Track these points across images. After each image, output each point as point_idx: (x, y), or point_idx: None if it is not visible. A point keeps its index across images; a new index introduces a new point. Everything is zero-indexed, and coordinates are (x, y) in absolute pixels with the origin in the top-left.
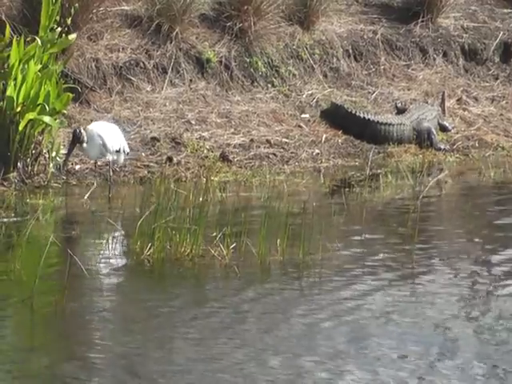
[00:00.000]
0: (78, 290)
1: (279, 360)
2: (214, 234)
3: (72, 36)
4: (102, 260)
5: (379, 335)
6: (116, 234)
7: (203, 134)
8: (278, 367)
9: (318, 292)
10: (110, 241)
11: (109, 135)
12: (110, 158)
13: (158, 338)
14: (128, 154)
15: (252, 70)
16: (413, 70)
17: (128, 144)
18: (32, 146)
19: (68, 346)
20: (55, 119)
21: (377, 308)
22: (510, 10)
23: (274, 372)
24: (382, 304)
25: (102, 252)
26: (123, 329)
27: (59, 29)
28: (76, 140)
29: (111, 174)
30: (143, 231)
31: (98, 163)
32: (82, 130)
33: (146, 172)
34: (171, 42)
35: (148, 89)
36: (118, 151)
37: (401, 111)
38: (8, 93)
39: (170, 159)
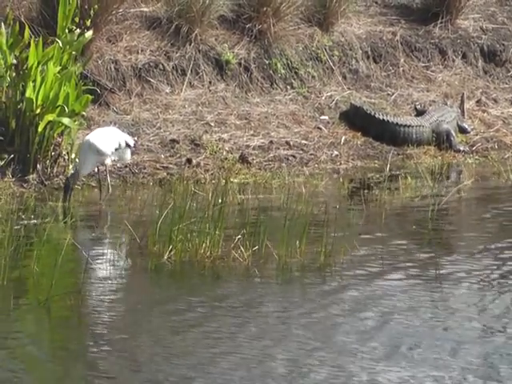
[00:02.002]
0: (95, 294)
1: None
2: (234, 235)
3: (88, 33)
4: (121, 262)
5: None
6: (135, 236)
7: (222, 136)
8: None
9: (340, 293)
10: (129, 243)
11: (99, 138)
12: (108, 161)
13: (180, 341)
14: (134, 146)
15: (271, 71)
16: (432, 71)
17: (147, 146)
18: (51, 147)
19: (84, 353)
20: (74, 121)
21: (400, 309)
22: None
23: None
24: (405, 305)
25: (121, 254)
26: (141, 333)
27: (78, 30)
28: (67, 188)
29: (109, 179)
30: (163, 233)
31: (118, 165)
32: (70, 176)
33: (165, 174)
34: (190, 44)
35: (167, 90)
36: (117, 149)
37: (420, 113)
38: (27, 94)
39: (189, 161)
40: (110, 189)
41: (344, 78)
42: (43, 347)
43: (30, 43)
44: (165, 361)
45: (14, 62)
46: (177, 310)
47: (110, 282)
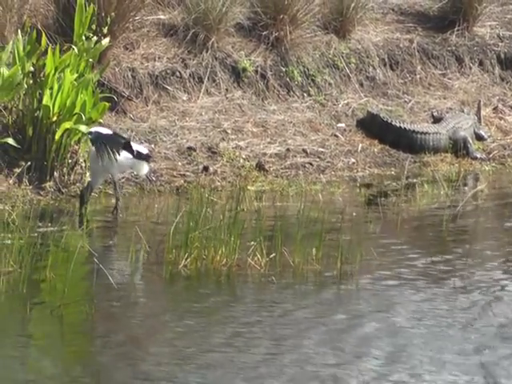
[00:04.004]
0: (109, 301)
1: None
2: (251, 243)
3: (105, 41)
4: (137, 270)
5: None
6: (152, 244)
7: (239, 144)
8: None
9: (357, 301)
10: (145, 250)
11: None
12: (115, 172)
13: (195, 350)
14: (148, 156)
15: (288, 79)
16: (449, 78)
17: (164, 153)
18: (68, 155)
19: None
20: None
21: (418, 317)
22: None
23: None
24: (423, 313)
25: (137, 262)
26: (155, 341)
27: (95, 37)
28: (82, 199)
29: (118, 191)
30: (179, 241)
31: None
32: (84, 188)
33: (182, 181)
34: (207, 51)
35: (184, 98)
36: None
37: (437, 120)
38: (44, 102)
39: (206, 168)
40: (120, 202)
41: (361, 85)
42: (54, 355)
43: (46, 51)
44: (178, 369)
45: (31, 69)
46: (192, 319)
47: (124, 289)
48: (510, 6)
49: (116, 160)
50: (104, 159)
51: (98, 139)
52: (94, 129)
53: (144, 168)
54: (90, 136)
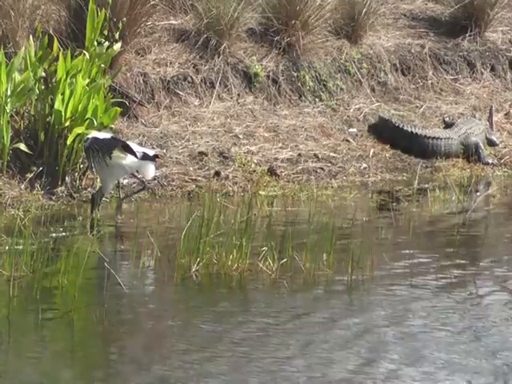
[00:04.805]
0: (120, 306)
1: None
2: (262, 248)
3: (117, 46)
4: (148, 275)
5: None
6: (163, 249)
7: (251, 149)
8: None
9: (368, 306)
10: (157, 255)
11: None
12: (122, 175)
13: (207, 355)
14: (155, 159)
15: (300, 84)
16: (460, 84)
17: (176, 158)
18: (80, 160)
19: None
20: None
21: (431, 322)
22: None
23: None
24: (435, 319)
25: (148, 267)
26: (167, 347)
27: (107, 43)
28: (93, 204)
29: (121, 195)
30: (190, 246)
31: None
32: (95, 193)
33: (193, 186)
34: (219, 57)
35: (196, 103)
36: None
37: (448, 125)
38: (56, 107)
39: (217, 173)
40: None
41: (372, 90)
42: (66, 359)
43: (58, 56)
44: (191, 373)
45: (43, 74)
46: (204, 323)
47: (135, 294)
48: None
49: (107, 164)
50: (96, 166)
51: (90, 146)
52: (90, 135)
53: (151, 170)
54: (84, 143)
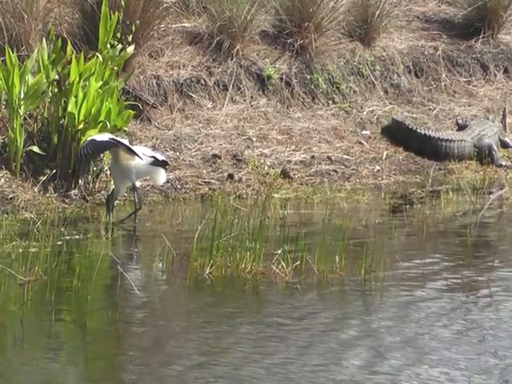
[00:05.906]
0: (133, 309)
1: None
2: (275, 251)
3: (130, 49)
4: (162, 277)
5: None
6: (176, 251)
7: (264, 151)
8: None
9: (381, 308)
10: (170, 258)
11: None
12: (134, 179)
13: (220, 358)
14: (166, 164)
15: (313, 86)
16: (474, 86)
17: (189, 161)
18: (93, 162)
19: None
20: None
21: (444, 324)
22: None
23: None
24: (450, 321)
25: (161, 269)
26: (181, 348)
27: (120, 45)
28: (107, 207)
29: (136, 198)
30: (204, 248)
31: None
32: (108, 195)
33: (207, 189)
34: (232, 59)
35: (209, 106)
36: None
37: (462, 127)
38: (69, 110)
39: (231, 176)
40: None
41: (386, 92)
42: (79, 361)
43: (71, 59)
44: (206, 374)
45: (56, 77)
46: (217, 325)
47: (149, 296)
48: None
49: (94, 162)
50: (83, 167)
51: (84, 148)
52: (89, 138)
53: (161, 175)
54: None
